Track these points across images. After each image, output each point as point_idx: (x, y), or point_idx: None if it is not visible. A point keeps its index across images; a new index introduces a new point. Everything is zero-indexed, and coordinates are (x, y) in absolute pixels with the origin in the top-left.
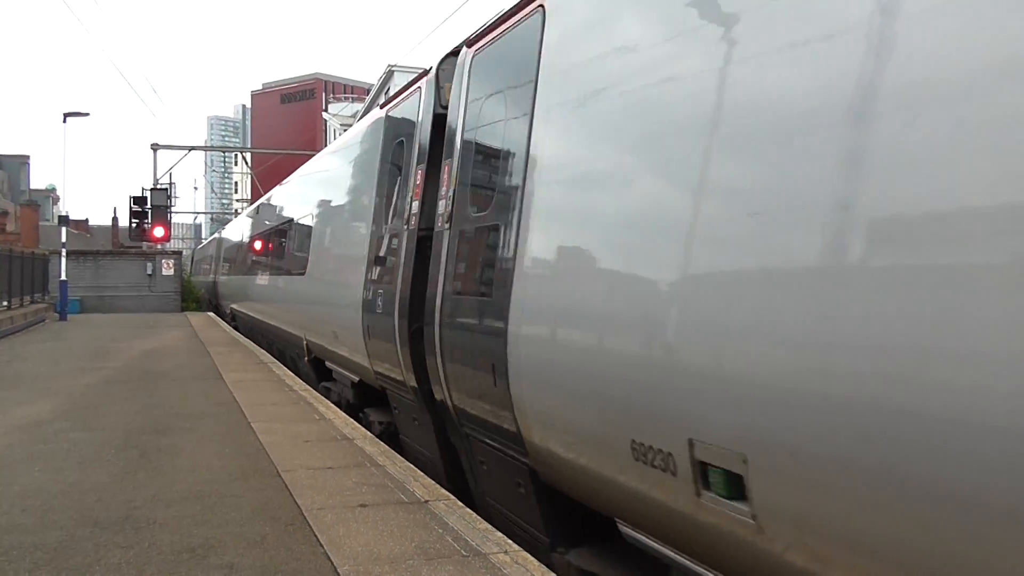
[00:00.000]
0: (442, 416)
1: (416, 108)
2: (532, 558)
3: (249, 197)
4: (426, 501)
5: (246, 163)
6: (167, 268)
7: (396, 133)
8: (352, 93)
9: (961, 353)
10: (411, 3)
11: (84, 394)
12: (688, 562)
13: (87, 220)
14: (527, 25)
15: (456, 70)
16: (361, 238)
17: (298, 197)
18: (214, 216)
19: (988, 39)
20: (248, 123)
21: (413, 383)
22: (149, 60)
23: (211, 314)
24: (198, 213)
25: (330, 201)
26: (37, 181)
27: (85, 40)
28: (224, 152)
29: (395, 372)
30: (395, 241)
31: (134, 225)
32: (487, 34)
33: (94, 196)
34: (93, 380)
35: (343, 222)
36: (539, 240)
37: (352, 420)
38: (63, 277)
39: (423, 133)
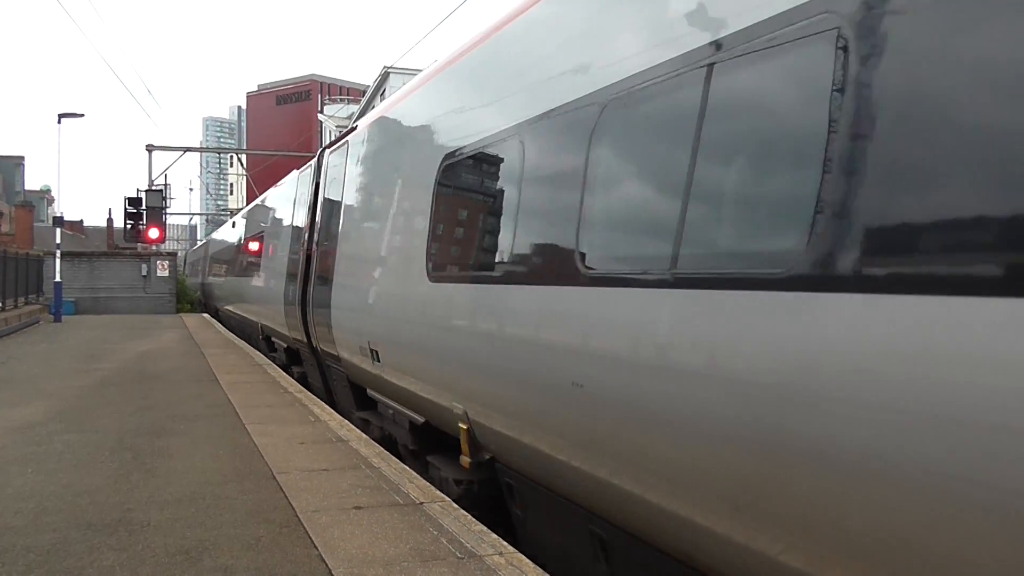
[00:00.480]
0: (317, 357)
1: (309, 178)
2: (527, 560)
3: (245, 199)
4: (421, 503)
5: (241, 164)
6: (162, 269)
7: (299, 191)
8: (348, 95)
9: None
10: (408, 5)
11: (78, 396)
12: (382, 397)
13: (82, 221)
14: (343, 148)
15: (322, 159)
16: (281, 256)
17: (249, 224)
18: (209, 217)
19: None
20: (243, 124)
21: (306, 340)
22: (144, 61)
23: (206, 315)
24: (193, 214)
25: (264, 230)
26: (32, 182)
27: (80, 41)
28: (219, 153)
29: (298, 335)
30: (296, 258)
31: (129, 226)
32: (332, 145)
33: (89, 197)
34: (87, 382)
35: (272, 245)
36: (343, 259)
37: (347, 422)
38: (58, 278)
39: (308, 194)
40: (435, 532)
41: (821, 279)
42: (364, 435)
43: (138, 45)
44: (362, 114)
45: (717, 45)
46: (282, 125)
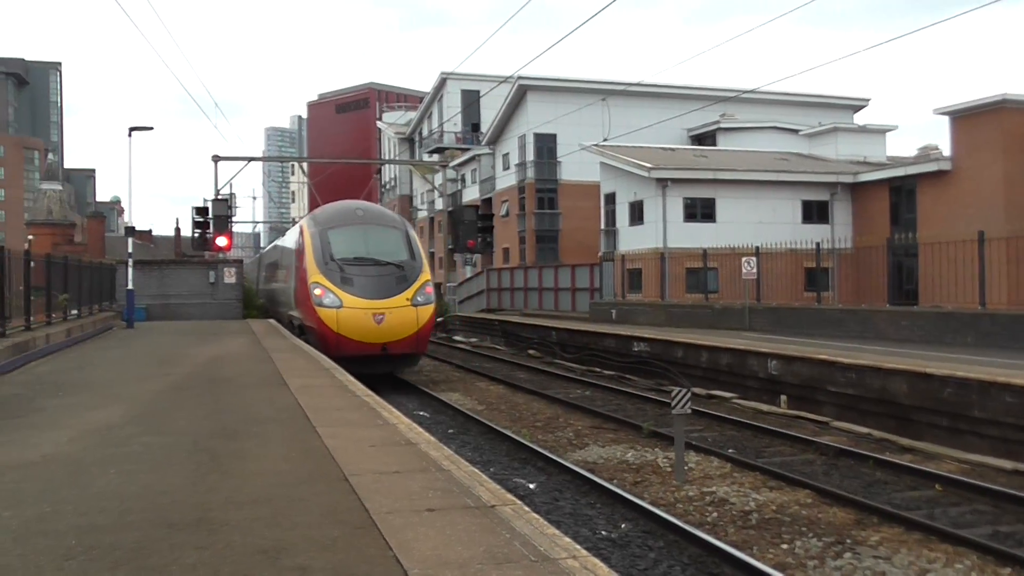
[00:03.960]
0: (303, 331)
1: (289, 239)
2: (601, 564)
3: (307, 206)
4: (492, 506)
5: (303, 172)
6: (229, 276)
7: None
8: (406, 102)
9: None
10: (464, 14)
11: (153, 399)
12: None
13: (151, 231)
14: (294, 229)
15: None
16: (289, 270)
17: (274, 251)
18: (272, 225)
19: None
20: (304, 133)
21: (300, 319)
22: (211, 74)
23: (272, 321)
24: (257, 222)
25: (282, 254)
26: (102, 194)
27: (150, 56)
28: (282, 162)
29: (298, 318)
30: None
31: (197, 235)
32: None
33: (157, 207)
34: (161, 386)
35: (286, 264)
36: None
37: (416, 426)
38: (130, 286)
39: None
40: (507, 535)
41: None
42: (433, 438)
43: (205, 59)
44: (420, 120)
45: None
46: (342, 133)
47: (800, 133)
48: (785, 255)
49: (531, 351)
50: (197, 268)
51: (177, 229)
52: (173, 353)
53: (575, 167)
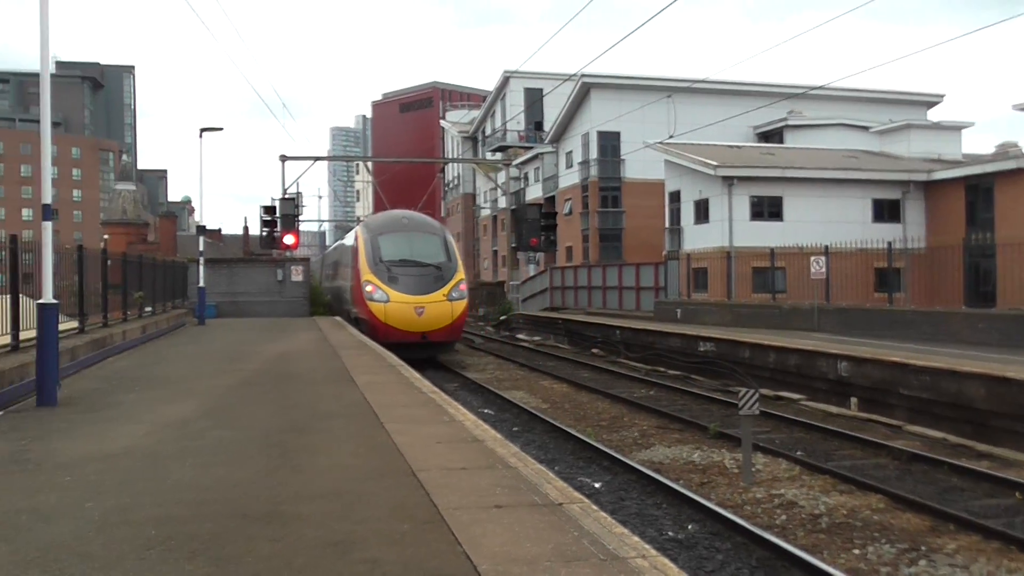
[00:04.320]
0: (358, 322)
1: (347, 242)
2: (671, 564)
3: (372, 205)
4: (560, 504)
5: (368, 172)
6: (296, 274)
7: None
8: (469, 100)
9: None
10: (526, 12)
11: (225, 394)
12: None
13: (220, 230)
14: (351, 235)
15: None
16: (346, 270)
17: (335, 251)
18: (338, 224)
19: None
20: (369, 133)
21: (356, 312)
22: (278, 76)
23: (337, 318)
24: (323, 221)
25: (342, 255)
26: (174, 193)
27: (220, 57)
28: (347, 162)
29: (354, 311)
30: (345, 274)
31: (264, 233)
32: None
33: (226, 206)
34: (232, 381)
35: (345, 264)
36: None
37: (481, 423)
38: (201, 284)
39: (346, 249)
40: (576, 533)
41: None
42: (499, 435)
43: (272, 59)
44: (483, 119)
45: None
46: (406, 132)
47: (871, 130)
48: (855, 255)
49: (595, 350)
50: (265, 266)
51: (245, 228)
52: (243, 349)
53: (639, 165)
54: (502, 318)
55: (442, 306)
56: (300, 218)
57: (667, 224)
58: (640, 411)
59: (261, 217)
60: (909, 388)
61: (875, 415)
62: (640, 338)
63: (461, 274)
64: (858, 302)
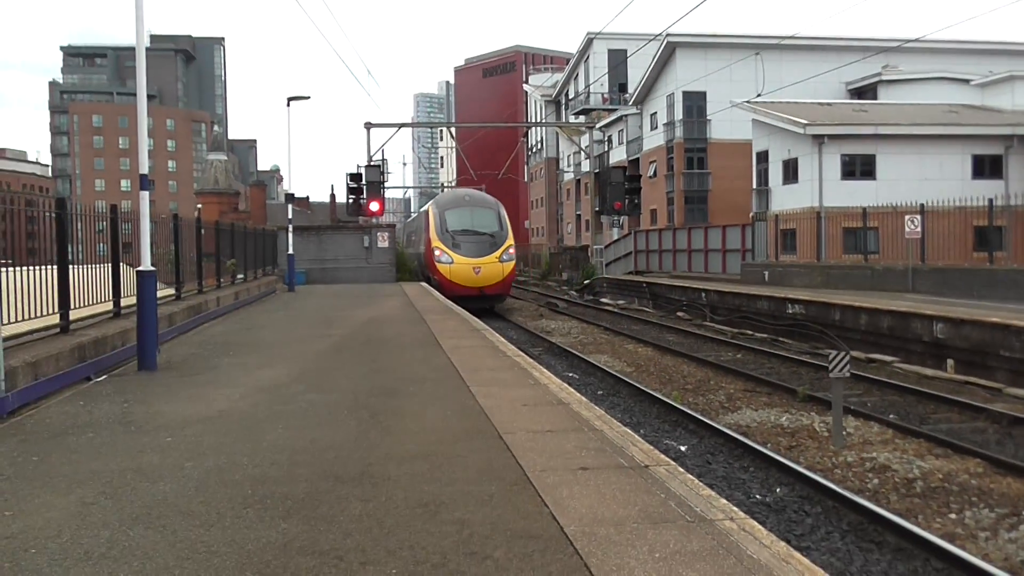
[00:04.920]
0: (429, 281)
1: (422, 215)
2: (759, 526)
3: (455, 172)
4: (646, 466)
5: (451, 137)
6: (382, 241)
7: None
8: (552, 63)
9: None
10: None
11: (315, 359)
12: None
13: (308, 197)
14: (423, 212)
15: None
16: (420, 238)
17: (413, 222)
18: (422, 190)
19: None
20: (452, 99)
21: (428, 273)
22: (363, 43)
23: (424, 284)
24: (407, 188)
25: (417, 227)
26: (263, 162)
27: (308, 27)
28: (431, 128)
29: (427, 272)
30: (419, 241)
31: (351, 201)
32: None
33: (313, 174)
34: (322, 347)
35: (419, 234)
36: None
37: (566, 386)
38: (290, 251)
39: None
40: (662, 495)
41: None
42: (584, 398)
43: (357, 28)
44: (566, 82)
45: None
46: (489, 98)
47: (971, 83)
48: (952, 213)
49: (680, 313)
50: (352, 233)
51: (332, 195)
52: (332, 315)
53: (725, 125)
54: (586, 282)
55: (495, 266)
56: (385, 185)
57: (754, 185)
58: (726, 374)
59: (347, 184)
60: (1010, 350)
61: (973, 378)
62: (726, 301)
63: (511, 240)
64: (956, 262)
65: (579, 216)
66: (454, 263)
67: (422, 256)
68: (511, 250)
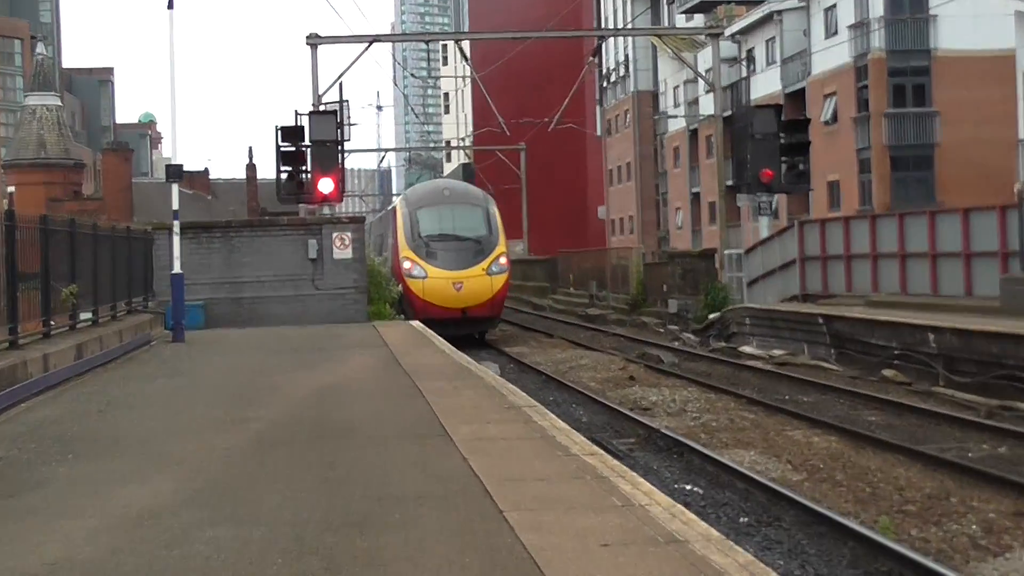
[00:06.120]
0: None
1: (388, 215)
2: None
3: (471, 118)
4: None
5: (464, 59)
6: (341, 247)
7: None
8: None
9: None
10: None
11: (225, 463)
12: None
13: (207, 171)
14: (390, 210)
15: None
16: (388, 245)
17: (379, 223)
18: (412, 155)
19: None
20: None
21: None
22: None
23: (416, 324)
24: (385, 151)
25: (385, 230)
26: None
27: None
28: (426, 45)
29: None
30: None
31: (285, 176)
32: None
33: (215, 131)
34: (237, 440)
35: (388, 239)
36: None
37: (681, 508)
38: (176, 269)
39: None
40: None
41: None
42: (714, 531)
43: None
44: None
45: None
46: None
47: None
48: None
49: (889, 372)
50: (288, 235)
51: (251, 166)
52: (254, 383)
53: (964, 27)
54: (711, 316)
55: (481, 280)
56: (345, 148)
57: (1021, 134)
58: (979, 484)
59: (278, 147)
60: None
61: None
62: (975, 347)
63: (502, 247)
64: None
65: (695, 196)
66: (428, 277)
67: (389, 268)
68: (503, 259)
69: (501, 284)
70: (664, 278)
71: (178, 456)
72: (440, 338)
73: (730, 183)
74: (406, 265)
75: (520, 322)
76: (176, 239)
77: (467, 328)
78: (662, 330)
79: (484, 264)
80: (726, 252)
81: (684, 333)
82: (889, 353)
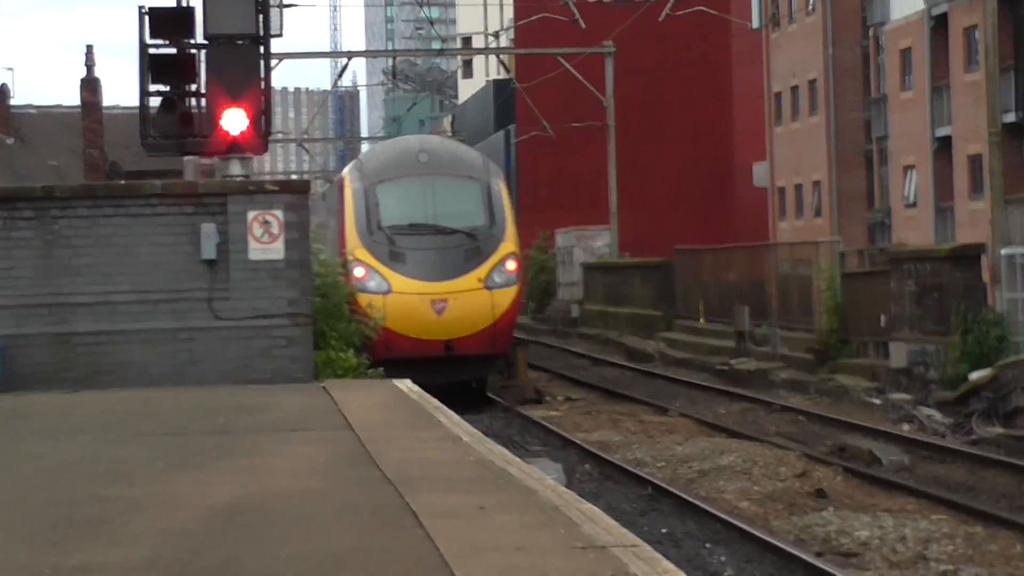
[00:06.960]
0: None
1: (332, 191)
2: None
3: (512, 9)
4: None
5: None
6: (264, 238)
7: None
8: None
9: None
10: None
11: None
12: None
13: (3, 92)
14: (335, 184)
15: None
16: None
17: (320, 202)
18: (398, 63)
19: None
20: None
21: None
22: None
23: (405, 386)
24: (349, 55)
25: (327, 217)
26: None
27: None
28: None
29: None
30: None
31: (158, 104)
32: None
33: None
34: None
35: (329, 231)
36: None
37: None
38: None
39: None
40: None
41: None
42: None
43: None
44: None
45: None
46: None
47: None
48: None
49: None
50: (162, 214)
51: (90, 81)
52: (96, 497)
53: None
54: (974, 376)
55: (476, 297)
56: (275, 48)
57: None
58: None
59: (144, 46)
60: None
61: None
62: None
63: (511, 244)
64: None
65: (943, 144)
66: (391, 292)
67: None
68: (511, 263)
69: (508, 303)
70: (882, 301)
71: None
72: (449, 411)
73: (1012, 118)
74: (357, 273)
75: (603, 382)
76: None
77: (453, 373)
78: (878, 400)
79: (481, 272)
80: (1004, 252)
81: (922, 407)
82: None
